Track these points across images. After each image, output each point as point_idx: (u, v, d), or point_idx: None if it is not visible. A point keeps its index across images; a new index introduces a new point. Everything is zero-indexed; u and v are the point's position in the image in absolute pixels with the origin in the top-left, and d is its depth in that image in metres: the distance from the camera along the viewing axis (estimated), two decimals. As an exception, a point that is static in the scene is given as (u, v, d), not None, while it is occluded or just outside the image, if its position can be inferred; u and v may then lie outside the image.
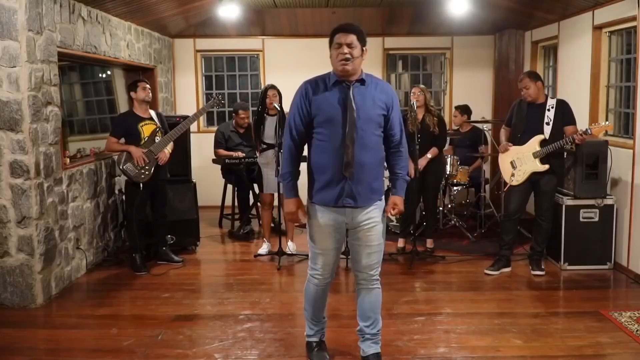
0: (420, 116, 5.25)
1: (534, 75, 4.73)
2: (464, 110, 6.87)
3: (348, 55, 2.88)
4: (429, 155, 5.21)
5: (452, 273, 4.98)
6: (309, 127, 3.03)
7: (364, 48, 2.96)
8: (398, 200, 3.11)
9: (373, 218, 3.03)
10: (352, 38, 2.90)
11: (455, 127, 7.12)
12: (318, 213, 3.06)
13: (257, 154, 5.45)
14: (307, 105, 2.99)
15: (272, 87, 5.30)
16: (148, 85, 5.13)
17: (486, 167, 6.76)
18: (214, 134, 6.56)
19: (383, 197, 3.11)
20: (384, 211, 3.12)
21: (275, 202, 5.56)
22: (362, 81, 2.99)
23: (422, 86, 5.39)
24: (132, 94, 5.06)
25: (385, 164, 3.16)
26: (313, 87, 3.00)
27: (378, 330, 3.20)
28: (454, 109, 7.01)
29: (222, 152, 6.29)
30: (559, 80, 6.22)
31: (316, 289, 3.21)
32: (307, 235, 3.20)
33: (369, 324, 3.18)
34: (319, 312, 3.32)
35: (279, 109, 5.13)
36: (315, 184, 3.05)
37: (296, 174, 3.13)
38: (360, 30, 2.94)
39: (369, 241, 3.05)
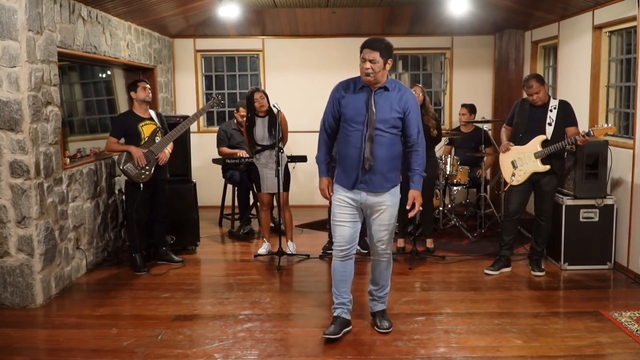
0: None
1: (541, 79, 4.70)
2: (472, 109, 6.86)
3: (369, 70, 3.37)
4: None
5: (452, 273, 4.98)
6: (339, 122, 3.56)
7: (389, 61, 3.42)
8: (416, 194, 3.56)
9: (385, 202, 3.52)
10: (375, 55, 3.36)
11: (457, 126, 7.11)
12: (339, 190, 3.60)
13: (254, 157, 5.43)
14: (337, 104, 3.53)
15: (257, 89, 5.30)
16: (148, 85, 5.13)
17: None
18: (214, 134, 6.57)
19: (398, 185, 3.59)
20: (406, 200, 3.57)
21: (274, 202, 5.56)
22: (385, 88, 3.46)
23: (420, 86, 5.38)
24: (132, 94, 5.06)
25: (399, 156, 3.58)
26: (344, 88, 3.54)
27: (385, 294, 3.77)
28: (461, 107, 6.97)
29: (225, 150, 6.29)
30: (559, 80, 6.22)
31: (336, 262, 3.67)
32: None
33: (378, 288, 3.75)
34: (339, 287, 3.71)
35: (278, 108, 5.13)
36: (338, 169, 3.60)
37: (328, 159, 3.67)
38: (384, 47, 3.40)
39: (380, 220, 3.56)
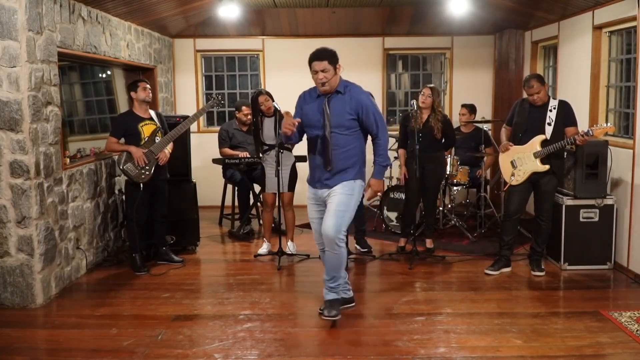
0: (425, 116, 5.24)
1: (541, 79, 4.70)
2: (472, 109, 6.84)
3: (324, 80, 3.67)
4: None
5: (452, 273, 4.98)
6: (304, 127, 3.88)
7: (337, 65, 3.70)
8: (373, 182, 3.85)
9: (335, 190, 3.76)
10: (324, 64, 3.64)
11: (457, 126, 7.10)
12: (308, 189, 3.93)
13: (260, 156, 5.43)
14: (299, 111, 3.88)
15: (260, 92, 5.29)
16: (148, 86, 5.13)
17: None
18: (213, 134, 6.56)
19: (355, 180, 3.76)
20: (364, 189, 3.86)
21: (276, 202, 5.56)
22: (337, 92, 3.73)
23: (431, 86, 5.34)
24: (133, 94, 5.06)
25: (358, 154, 3.83)
26: (305, 97, 3.89)
27: (337, 285, 3.85)
28: (461, 107, 6.96)
29: (227, 151, 6.28)
30: (559, 80, 6.22)
31: (321, 254, 3.99)
32: None
33: (330, 279, 3.85)
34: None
35: (279, 108, 5.13)
36: (309, 169, 3.94)
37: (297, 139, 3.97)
38: (330, 55, 3.68)
39: (329, 208, 3.74)
